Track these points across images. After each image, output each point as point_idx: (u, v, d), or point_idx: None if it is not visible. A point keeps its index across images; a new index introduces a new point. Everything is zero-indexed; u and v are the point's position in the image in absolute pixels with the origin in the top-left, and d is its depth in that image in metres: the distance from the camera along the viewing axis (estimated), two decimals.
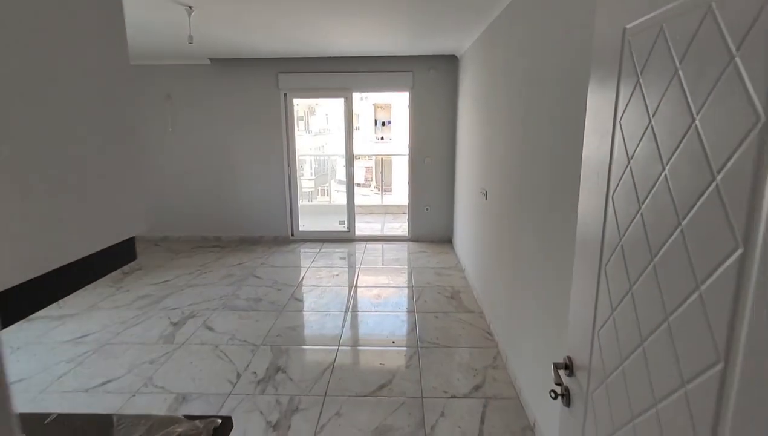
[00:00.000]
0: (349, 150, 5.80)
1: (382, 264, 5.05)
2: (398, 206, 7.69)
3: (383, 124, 23.86)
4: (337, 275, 4.66)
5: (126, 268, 4.89)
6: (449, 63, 5.46)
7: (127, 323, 3.57)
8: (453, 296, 4.07)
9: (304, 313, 3.76)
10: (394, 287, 4.34)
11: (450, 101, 5.55)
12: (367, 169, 25.60)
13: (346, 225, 6.04)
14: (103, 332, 3.41)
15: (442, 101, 5.57)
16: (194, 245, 5.86)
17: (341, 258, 5.31)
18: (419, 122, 5.65)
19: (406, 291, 4.23)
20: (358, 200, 6.38)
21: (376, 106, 23.84)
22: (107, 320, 3.62)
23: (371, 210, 7.82)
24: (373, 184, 22.42)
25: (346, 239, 6.02)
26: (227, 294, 4.15)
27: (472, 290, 4.17)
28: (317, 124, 26.02)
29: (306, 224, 6.30)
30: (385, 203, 8.00)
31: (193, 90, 5.67)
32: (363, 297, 4.11)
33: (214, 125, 5.76)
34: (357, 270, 4.86)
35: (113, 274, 4.67)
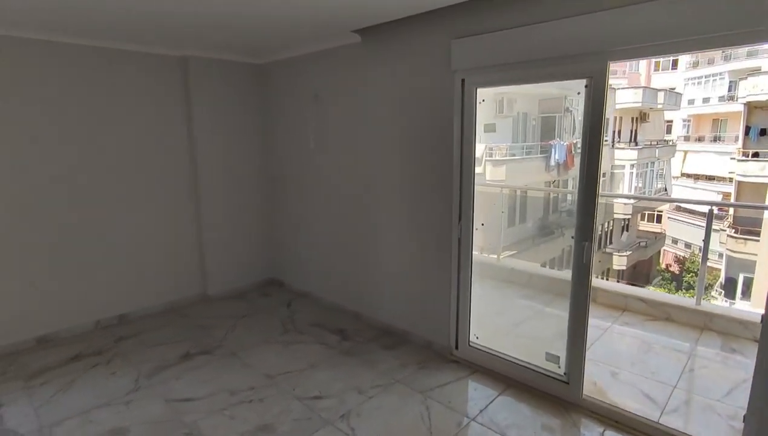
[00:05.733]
0: (588, 186, 2.42)
1: None
2: (741, 323, 3.34)
3: (761, 133, 15.43)
4: None
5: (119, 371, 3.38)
6: None
7: None
8: None
9: None
10: None
11: None
12: (724, 195, 17.86)
13: (561, 365, 2.66)
14: None
15: None
16: (318, 320, 3.85)
17: None
18: None
19: None
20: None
21: (750, 106, 15.72)
22: None
23: (668, 312, 3.75)
24: (729, 220, 14.95)
25: (556, 396, 2.66)
26: None
27: None
28: (654, 134, 20.08)
29: (490, 327, 3.27)
30: (703, 308, 3.68)
31: (338, 86, 3.66)
32: None
33: (359, 138, 3.57)
34: None
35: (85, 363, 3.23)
